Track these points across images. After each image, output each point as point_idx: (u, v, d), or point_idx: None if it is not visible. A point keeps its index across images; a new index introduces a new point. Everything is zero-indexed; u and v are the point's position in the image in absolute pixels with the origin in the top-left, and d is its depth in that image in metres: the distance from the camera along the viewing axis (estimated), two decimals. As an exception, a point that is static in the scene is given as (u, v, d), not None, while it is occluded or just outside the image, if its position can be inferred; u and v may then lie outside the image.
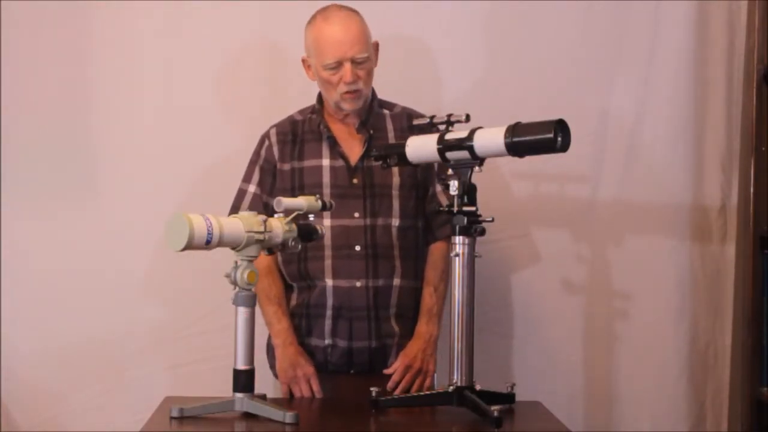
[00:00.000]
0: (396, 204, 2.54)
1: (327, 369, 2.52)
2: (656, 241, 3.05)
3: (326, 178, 2.53)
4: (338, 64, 2.45)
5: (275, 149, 2.58)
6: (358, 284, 2.49)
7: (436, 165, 2.53)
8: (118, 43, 3.05)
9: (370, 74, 2.51)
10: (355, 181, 2.53)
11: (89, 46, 3.04)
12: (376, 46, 2.56)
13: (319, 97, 2.62)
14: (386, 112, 2.62)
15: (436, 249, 2.59)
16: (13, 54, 3.01)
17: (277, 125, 2.63)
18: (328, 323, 2.50)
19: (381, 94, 2.65)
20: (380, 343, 2.51)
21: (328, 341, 2.50)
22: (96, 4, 3.03)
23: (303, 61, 2.58)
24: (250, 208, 2.52)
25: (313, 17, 2.53)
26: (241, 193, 2.60)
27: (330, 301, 2.49)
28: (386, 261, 2.51)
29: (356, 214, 2.51)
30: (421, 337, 2.51)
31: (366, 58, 2.47)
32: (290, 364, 2.48)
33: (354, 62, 2.45)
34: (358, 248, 2.49)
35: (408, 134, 2.48)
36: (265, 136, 2.62)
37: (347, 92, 2.48)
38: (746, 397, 2.83)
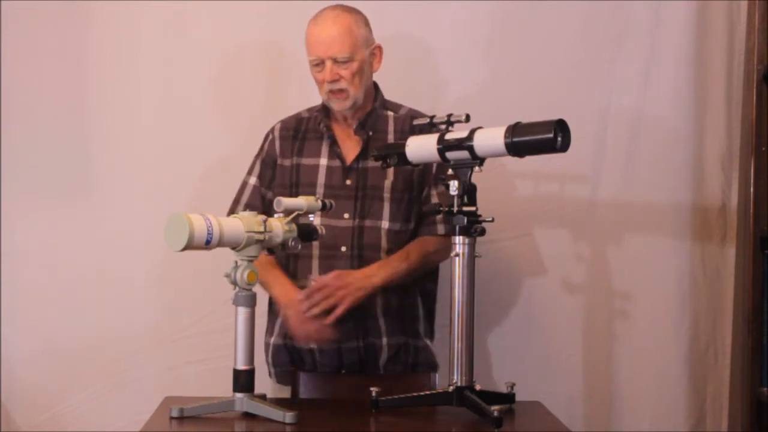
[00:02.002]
0: (387, 206, 2.53)
1: (316, 370, 2.52)
2: (656, 241, 3.05)
3: (321, 178, 2.53)
4: (320, 62, 2.47)
5: (277, 144, 2.59)
6: None
7: (434, 166, 2.52)
8: (118, 43, 3.06)
9: (357, 76, 2.48)
10: (348, 182, 2.53)
11: (89, 46, 3.05)
12: (379, 49, 2.56)
13: None
14: (390, 113, 2.62)
15: (419, 238, 2.55)
16: (13, 54, 3.02)
17: (283, 121, 2.64)
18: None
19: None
20: (368, 343, 2.50)
21: (315, 344, 2.49)
22: (96, 4, 3.04)
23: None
24: (249, 199, 2.55)
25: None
26: (242, 186, 2.61)
27: None
28: (372, 263, 2.49)
29: (345, 215, 2.51)
30: (363, 275, 2.43)
31: (348, 59, 2.46)
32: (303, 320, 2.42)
33: (335, 62, 2.46)
34: (343, 249, 2.49)
35: (408, 136, 2.49)
36: (270, 130, 2.63)
37: (331, 91, 2.49)
38: (746, 397, 2.83)
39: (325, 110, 2.59)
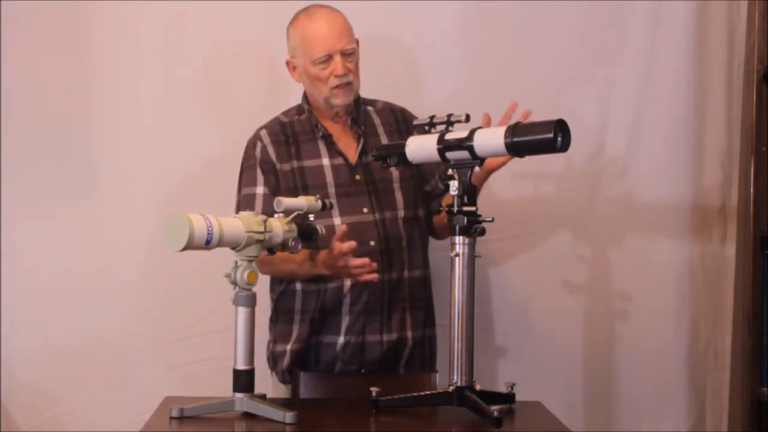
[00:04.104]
0: (399, 196, 2.55)
1: (335, 368, 2.52)
2: (656, 241, 3.06)
3: (329, 178, 2.52)
4: (328, 58, 2.47)
5: (270, 149, 2.55)
6: None
7: None
8: (118, 43, 3.05)
9: (357, 68, 2.53)
10: (357, 177, 2.54)
11: (89, 46, 3.04)
12: (358, 43, 2.58)
13: (305, 98, 2.62)
14: (370, 108, 2.64)
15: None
16: (13, 54, 3.02)
17: (265, 126, 2.60)
18: (345, 320, 2.49)
19: (378, 95, 2.65)
20: (393, 338, 2.51)
21: (342, 339, 2.49)
22: (96, 4, 3.03)
23: (287, 63, 2.59)
24: (265, 208, 2.46)
25: (295, 17, 2.55)
26: (249, 198, 2.53)
27: (348, 299, 2.49)
28: (397, 254, 2.52)
29: (365, 210, 2.51)
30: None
31: (353, 50, 2.50)
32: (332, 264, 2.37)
33: (343, 54, 2.47)
34: (372, 243, 2.48)
35: (395, 128, 2.54)
36: (256, 137, 2.58)
37: (338, 86, 2.49)
38: (746, 397, 2.83)
39: (310, 111, 2.58)
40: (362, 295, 2.48)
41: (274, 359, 2.58)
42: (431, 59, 3.06)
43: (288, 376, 2.56)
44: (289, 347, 2.55)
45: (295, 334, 2.55)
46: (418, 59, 3.06)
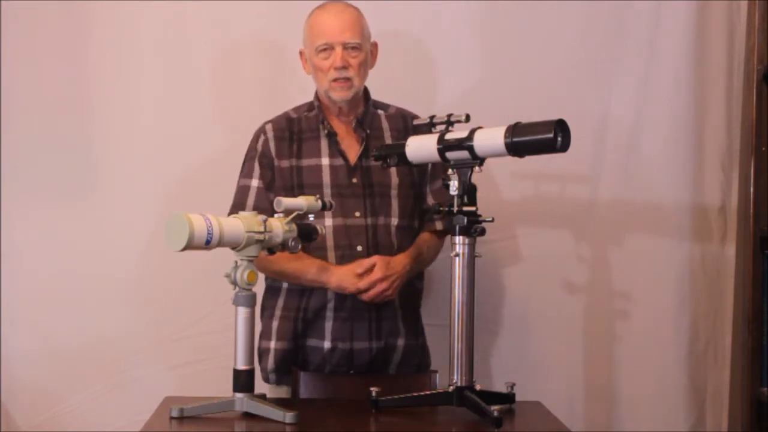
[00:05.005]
0: (395, 204, 2.53)
1: (324, 370, 2.52)
2: (656, 241, 3.06)
3: (326, 178, 2.52)
4: (328, 47, 2.47)
5: (272, 144, 2.55)
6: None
7: (429, 165, 2.53)
8: (118, 43, 3.05)
9: (362, 66, 2.51)
10: (354, 180, 2.53)
11: (89, 46, 3.04)
12: (375, 46, 2.57)
13: (317, 95, 2.61)
14: (381, 112, 2.62)
15: (420, 235, 2.59)
16: (13, 54, 3.02)
17: (272, 121, 2.60)
18: (329, 324, 2.49)
19: (379, 94, 2.65)
20: (381, 344, 2.50)
21: (328, 344, 2.49)
22: (96, 4, 3.03)
23: (300, 54, 2.60)
24: (256, 202, 2.49)
25: (312, 10, 2.56)
26: (243, 189, 2.55)
27: (332, 303, 2.48)
28: None
29: (357, 214, 2.50)
30: (401, 264, 2.46)
31: (358, 45, 2.48)
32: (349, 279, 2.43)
33: (345, 48, 2.46)
34: (359, 248, 2.48)
35: (404, 135, 2.50)
36: (261, 131, 2.59)
37: (336, 80, 2.48)
38: (746, 397, 2.83)
39: (319, 108, 2.58)
40: (346, 301, 2.47)
41: (259, 354, 2.57)
42: (431, 59, 3.06)
43: (274, 377, 2.56)
44: (273, 345, 2.55)
45: (275, 331, 2.54)
46: (427, 59, 3.06)
